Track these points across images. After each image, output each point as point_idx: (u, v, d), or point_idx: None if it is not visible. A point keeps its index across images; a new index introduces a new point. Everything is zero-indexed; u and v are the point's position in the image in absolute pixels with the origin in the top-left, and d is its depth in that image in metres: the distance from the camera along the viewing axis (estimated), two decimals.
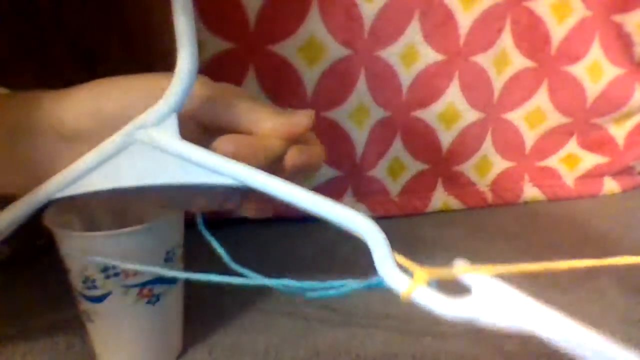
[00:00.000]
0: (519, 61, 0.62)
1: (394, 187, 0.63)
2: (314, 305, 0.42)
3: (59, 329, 0.39)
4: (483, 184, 0.66)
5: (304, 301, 0.43)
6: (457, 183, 0.65)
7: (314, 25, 0.52)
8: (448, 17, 0.56)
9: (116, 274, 0.31)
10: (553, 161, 0.68)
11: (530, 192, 0.67)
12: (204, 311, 0.41)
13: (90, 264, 0.31)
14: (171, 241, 0.33)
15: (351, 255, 0.49)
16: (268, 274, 0.29)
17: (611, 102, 0.65)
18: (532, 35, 0.61)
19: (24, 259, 0.45)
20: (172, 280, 0.33)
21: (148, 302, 0.33)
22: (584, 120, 0.66)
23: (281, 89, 0.54)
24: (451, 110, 0.60)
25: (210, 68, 0.51)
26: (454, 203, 0.65)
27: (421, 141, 0.62)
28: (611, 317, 0.42)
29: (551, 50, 0.62)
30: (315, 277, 0.27)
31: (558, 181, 0.69)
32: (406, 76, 0.57)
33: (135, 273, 0.31)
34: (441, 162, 0.63)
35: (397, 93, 0.58)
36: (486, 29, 0.58)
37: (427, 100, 0.59)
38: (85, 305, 0.33)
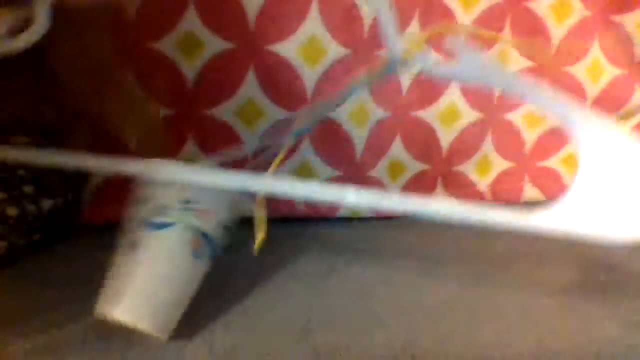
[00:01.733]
0: (518, 61, 0.62)
1: (394, 187, 0.63)
2: (315, 306, 0.42)
3: (60, 327, 0.39)
4: (483, 184, 0.66)
5: (305, 301, 0.43)
6: (457, 183, 0.65)
7: (314, 25, 0.52)
8: (448, 17, 0.56)
9: (192, 209, 0.35)
10: (553, 161, 0.68)
11: (531, 192, 0.67)
12: (206, 309, 0.41)
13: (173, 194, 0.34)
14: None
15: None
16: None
17: (611, 102, 0.65)
18: (532, 36, 0.61)
19: (21, 255, 0.45)
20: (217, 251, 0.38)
21: (192, 254, 0.35)
22: None
23: (281, 89, 0.54)
24: (451, 110, 0.60)
25: (210, 68, 0.51)
26: None
27: (421, 141, 0.62)
28: (612, 321, 0.42)
29: (551, 50, 0.62)
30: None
31: (558, 181, 0.69)
32: (405, 76, 0.57)
33: (207, 215, 0.35)
34: (441, 162, 0.63)
35: (397, 93, 0.58)
36: (486, 29, 0.58)
37: (427, 100, 0.59)
38: (137, 234, 0.35)
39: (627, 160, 0.21)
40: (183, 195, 0.35)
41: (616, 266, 0.49)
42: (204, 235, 0.36)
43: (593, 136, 0.22)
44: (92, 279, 0.35)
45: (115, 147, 0.47)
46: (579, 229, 0.24)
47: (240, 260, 0.46)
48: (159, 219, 0.35)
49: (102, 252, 0.36)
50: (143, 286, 0.34)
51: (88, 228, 0.51)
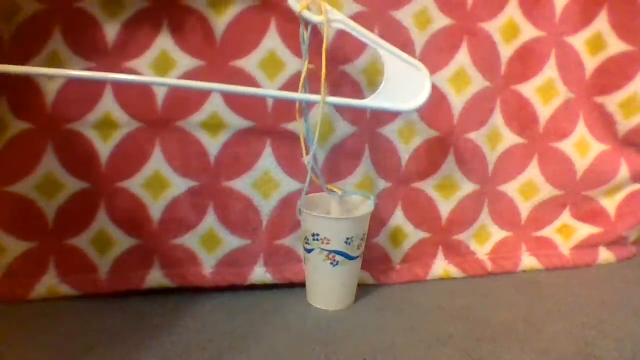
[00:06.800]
0: (510, 138, 0.67)
1: (396, 255, 0.66)
2: None
3: None
4: (482, 253, 0.69)
5: None
6: (457, 252, 0.68)
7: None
8: (441, 99, 0.62)
9: (318, 240, 0.55)
10: (548, 231, 0.71)
11: (528, 261, 0.70)
12: None
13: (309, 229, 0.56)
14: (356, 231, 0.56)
15: None
16: None
17: (599, 176, 0.69)
18: (521, 115, 0.66)
19: None
20: (348, 256, 0.56)
21: (331, 264, 0.56)
22: (575, 193, 0.70)
23: None
24: (449, 182, 0.65)
25: None
26: (454, 271, 0.67)
27: (421, 210, 0.66)
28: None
29: (539, 128, 0.67)
30: None
31: (554, 251, 0.71)
32: (405, 150, 0.63)
33: (328, 242, 0.55)
34: (441, 231, 0.67)
35: (397, 165, 0.63)
36: (478, 110, 0.64)
37: (425, 172, 0.64)
38: (304, 254, 0.59)
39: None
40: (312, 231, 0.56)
41: None
42: (334, 252, 0.56)
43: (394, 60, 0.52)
44: None
45: None
46: (389, 106, 0.53)
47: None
48: (307, 247, 0.57)
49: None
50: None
51: None
